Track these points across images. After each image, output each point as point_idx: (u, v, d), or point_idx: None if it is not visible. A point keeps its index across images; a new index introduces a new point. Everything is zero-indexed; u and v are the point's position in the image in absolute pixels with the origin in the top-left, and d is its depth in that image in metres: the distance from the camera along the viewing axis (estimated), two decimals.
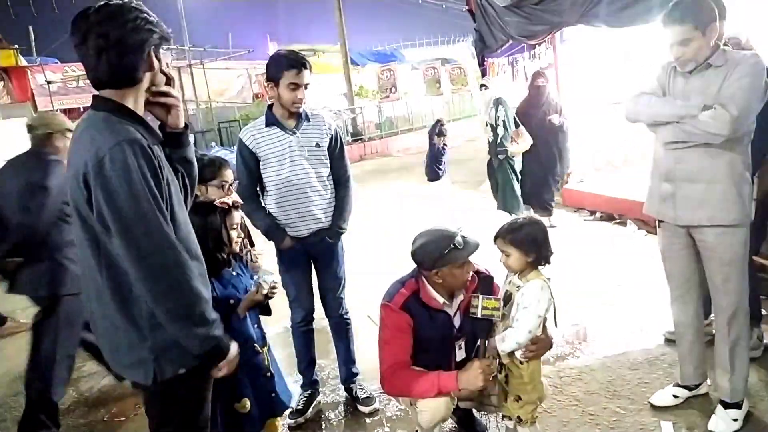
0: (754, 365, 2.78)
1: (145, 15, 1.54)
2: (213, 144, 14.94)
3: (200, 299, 1.55)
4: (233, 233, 2.20)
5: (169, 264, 1.49)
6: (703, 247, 2.43)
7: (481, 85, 6.16)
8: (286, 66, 2.61)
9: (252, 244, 2.51)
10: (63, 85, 15.48)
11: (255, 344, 2.27)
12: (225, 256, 2.20)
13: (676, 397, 2.67)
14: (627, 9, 5.27)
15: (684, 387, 2.69)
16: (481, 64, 9.21)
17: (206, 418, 1.77)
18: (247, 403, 2.22)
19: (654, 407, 2.65)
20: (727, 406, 2.48)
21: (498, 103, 5.79)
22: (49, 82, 14.69)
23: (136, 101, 1.59)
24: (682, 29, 2.22)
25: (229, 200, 2.21)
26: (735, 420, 2.45)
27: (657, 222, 2.63)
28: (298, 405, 2.92)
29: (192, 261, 1.58)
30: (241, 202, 2.34)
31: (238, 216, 2.25)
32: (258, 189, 2.81)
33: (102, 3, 1.52)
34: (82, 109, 14.88)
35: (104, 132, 1.49)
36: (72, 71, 15.84)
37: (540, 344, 2.16)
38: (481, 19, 8.08)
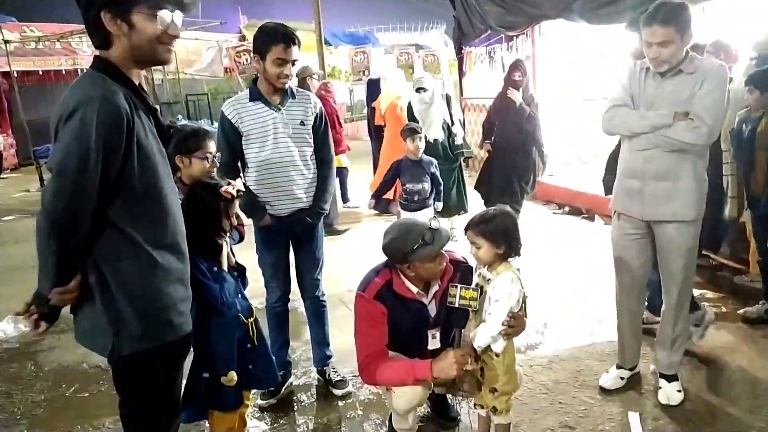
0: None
1: None
2: (180, 117, 14.48)
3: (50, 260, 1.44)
4: (227, 224, 2.16)
5: (60, 222, 1.40)
6: (664, 240, 2.58)
7: (419, 88, 5.20)
8: (274, 40, 2.52)
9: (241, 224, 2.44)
10: (21, 45, 14.67)
11: (240, 314, 2.21)
12: (219, 241, 2.17)
13: (622, 378, 2.84)
14: (603, 8, 5.35)
15: (627, 369, 2.86)
16: (459, 52, 9.22)
17: (174, 397, 1.73)
18: (234, 377, 2.16)
19: (604, 390, 2.80)
20: (668, 379, 2.71)
21: (449, 99, 5.55)
22: (6, 41, 13.90)
23: (122, 64, 1.53)
24: (664, 31, 2.28)
25: (233, 189, 2.15)
26: (679, 391, 2.69)
27: (614, 213, 2.73)
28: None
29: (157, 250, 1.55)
30: (243, 191, 2.30)
31: (236, 206, 2.22)
32: (239, 165, 2.74)
33: None
34: (41, 72, 14.19)
35: (84, 86, 1.46)
36: (31, 31, 15.01)
37: (518, 321, 2.14)
38: (460, 7, 8.09)
